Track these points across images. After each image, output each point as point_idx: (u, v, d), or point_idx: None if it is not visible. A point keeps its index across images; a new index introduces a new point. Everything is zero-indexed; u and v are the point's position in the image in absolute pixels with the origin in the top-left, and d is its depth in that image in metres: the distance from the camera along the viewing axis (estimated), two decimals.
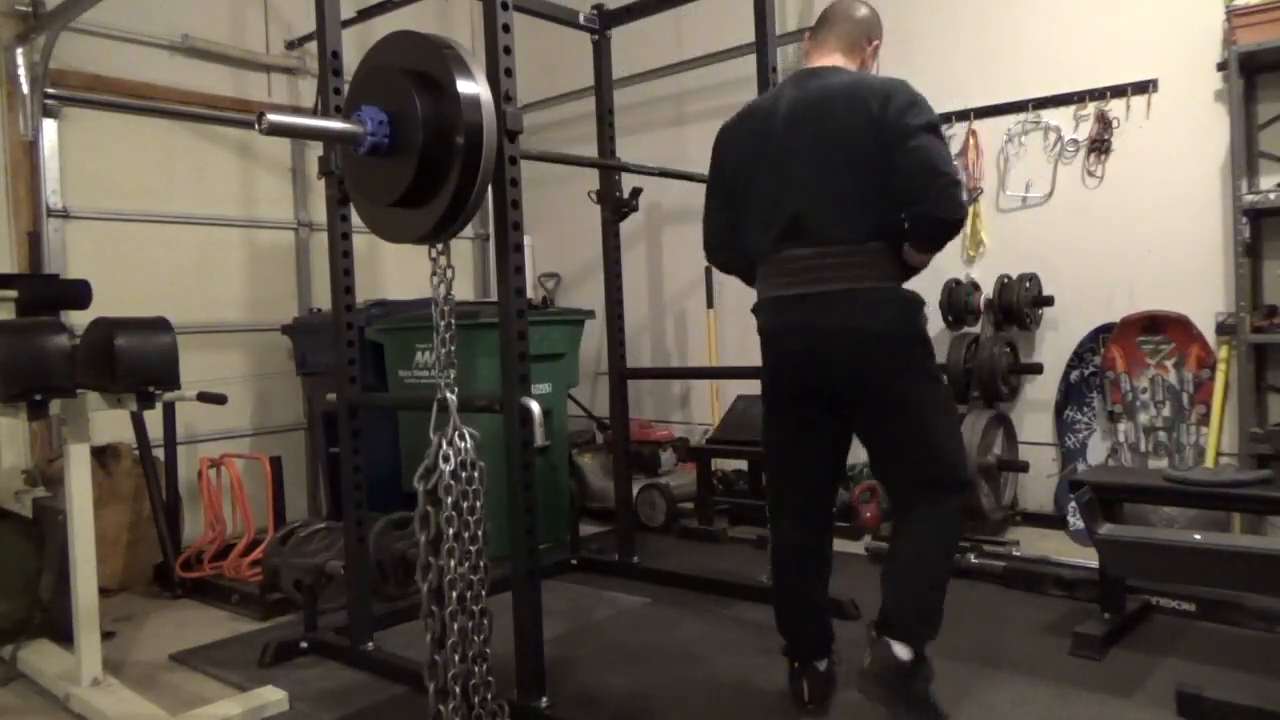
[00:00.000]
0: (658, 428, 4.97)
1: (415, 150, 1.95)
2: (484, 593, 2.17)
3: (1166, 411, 3.74)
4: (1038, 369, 4.01)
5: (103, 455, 3.68)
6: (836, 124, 2.19)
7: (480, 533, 2.15)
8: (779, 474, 2.44)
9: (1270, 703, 2.16)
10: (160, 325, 2.53)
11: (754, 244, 2.35)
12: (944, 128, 2.32)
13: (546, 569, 3.38)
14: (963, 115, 4.13)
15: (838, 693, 2.39)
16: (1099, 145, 3.87)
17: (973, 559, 3.34)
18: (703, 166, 2.43)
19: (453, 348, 2.20)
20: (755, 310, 2.40)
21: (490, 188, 2.13)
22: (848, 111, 2.18)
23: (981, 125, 4.14)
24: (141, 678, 2.80)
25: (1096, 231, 3.90)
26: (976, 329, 4.05)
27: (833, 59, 2.36)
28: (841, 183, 2.19)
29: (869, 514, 4.10)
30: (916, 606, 2.21)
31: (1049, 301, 3.95)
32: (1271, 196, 3.32)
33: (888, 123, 2.13)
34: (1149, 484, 2.84)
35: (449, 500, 2.11)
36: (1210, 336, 3.62)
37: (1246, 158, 3.45)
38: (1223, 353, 3.56)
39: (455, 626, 2.12)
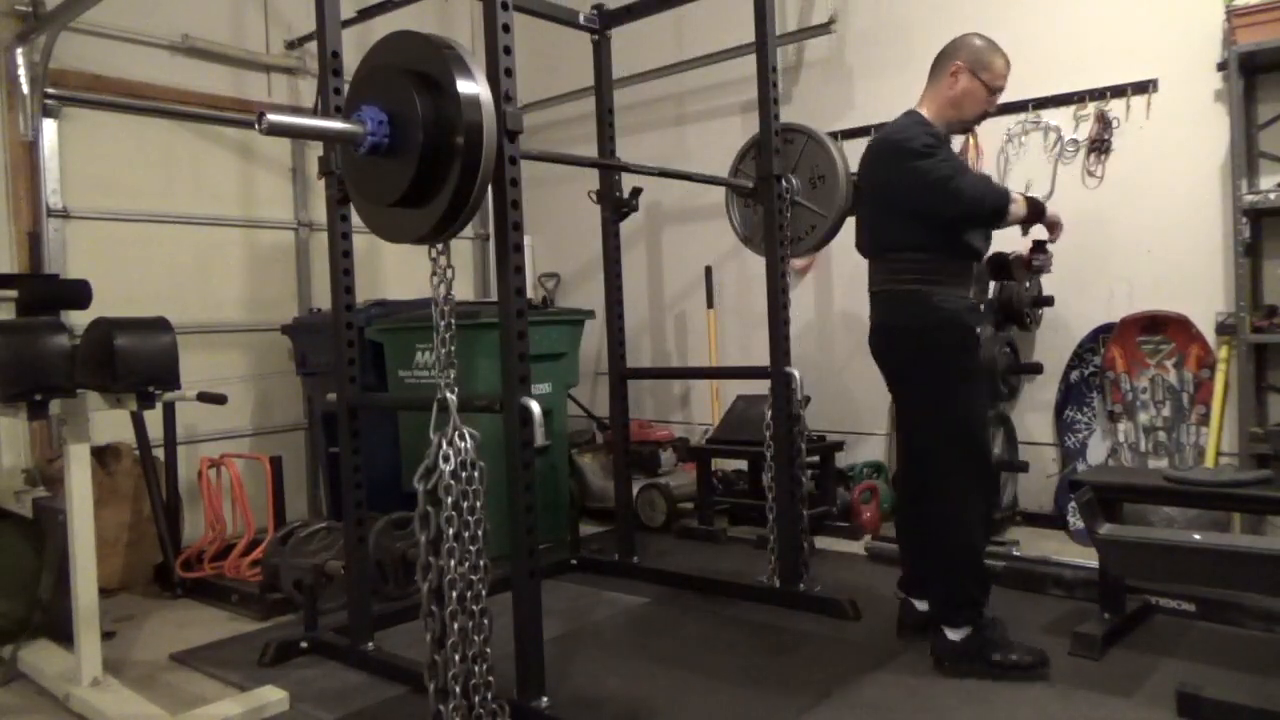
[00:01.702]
0: (658, 428, 4.97)
1: (415, 150, 1.95)
2: (484, 593, 2.17)
3: (1166, 411, 3.74)
4: (1038, 369, 4.01)
5: (103, 455, 3.68)
6: (875, 165, 2.80)
7: (480, 533, 2.16)
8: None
9: (1270, 703, 2.16)
10: (160, 325, 2.53)
11: None
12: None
13: (546, 569, 3.38)
14: None
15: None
16: (1099, 145, 3.87)
17: None
18: (702, 166, 2.46)
19: (453, 348, 2.21)
20: None
21: (490, 188, 2.13)
22: (881, 154, 2.76)
23: (981, 125, 4.09)
24: (141, 678, 2.80)
25: (1096, 231, 3.90)
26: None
27: (921, 96, 2.79)
28: (879, 210, 2.79)
29: (868, 514, 4.10)
30: (945, 591, 2.62)
31: (1049, 301, 3.94)
32: (1271, 196, 3.32)
33: (896, 166, 2.66)
34: (1149, 484, 2.84)
35: (449, 500, 2.11)
36: (1210, 336, 3.62)
37: (1246, 158, 3.45)
38: (1223, 353, 3.56)
39: (455, 626, 2.12)
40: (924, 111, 2.75)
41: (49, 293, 3.47)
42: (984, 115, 2.80)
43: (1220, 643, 2.71)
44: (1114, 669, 2.55)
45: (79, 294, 3.40)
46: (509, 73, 2.24)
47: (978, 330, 2.77)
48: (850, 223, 3.14)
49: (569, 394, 4.57)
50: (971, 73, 2.69)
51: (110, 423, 3.50)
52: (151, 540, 3.70)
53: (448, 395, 2.17)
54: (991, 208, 2.62)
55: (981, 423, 2.77)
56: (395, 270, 5.19)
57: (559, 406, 4.28)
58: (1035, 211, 2.75)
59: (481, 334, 3.72)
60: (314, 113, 4.41)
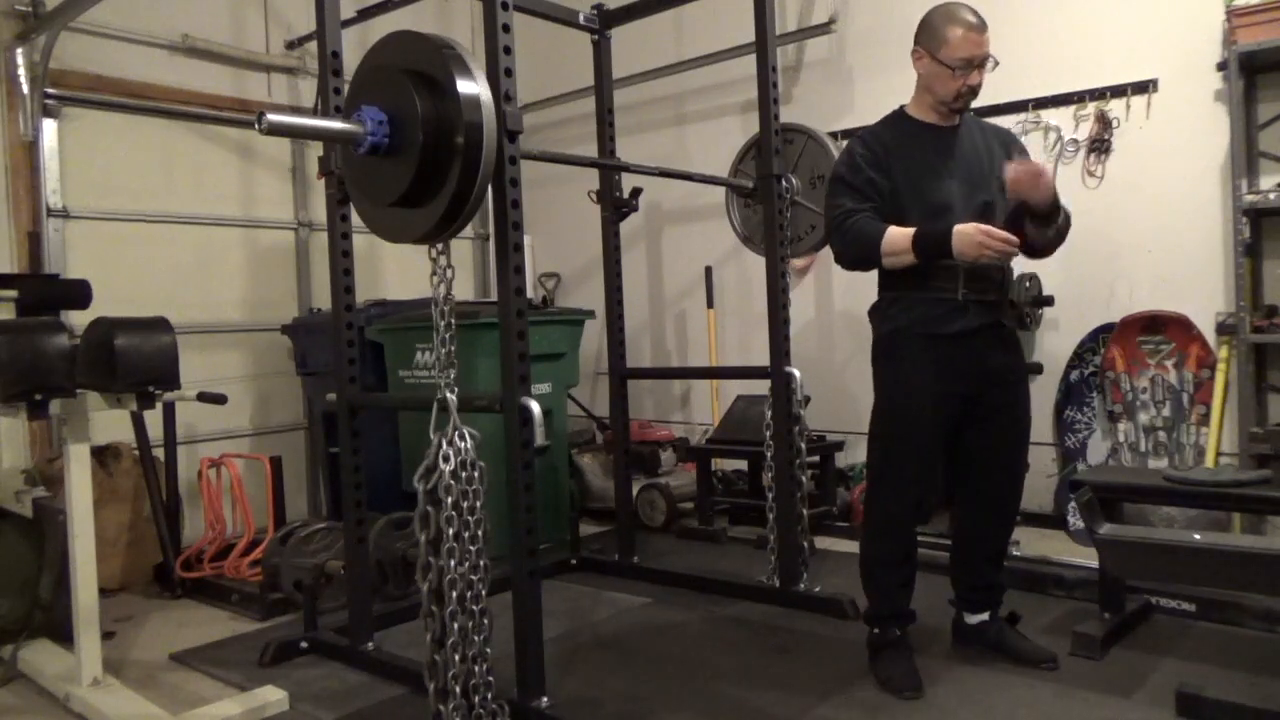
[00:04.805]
0: (658, 428, 4.97)
1: (415, 150, 1.95)
2: (484, 593, 2.17)
3: (1166, 411, 3.74)
4: (1038, 369, 4.00)
5: (103, 455, 3.67)
6: None
7: (480, 533, 2.16)
8: None
9: (1270, 703, 2.16)
10: (160, 325, 2.53)
11: None
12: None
13: (546, 569, 3.39)
14: None
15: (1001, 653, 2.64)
16: (1099, 145, 3.87)
17: None
18: (702, 166, 2.46)
19: (453, 348, 2.21)
20: None
21: (490, 188, 2.13)
22: None
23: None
24: (141, 678, 2.80)
25: (1096, 231, 3.89)
26: None
27: None
28: None
29: None
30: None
31: (1049, 301, 3.94)
32: (1271, 196, 3.32)
33: None
34: (1149, 484, 2.84)
35: (449, 500, 2.11)
36: (1210, 336, 3.62)
37: (1246, 158, 3.45)
38: (1223, 353, 3.56)
39: (455, 626, 2.13)
40: (910, 104, 2.60)
41: (49, 293, 3.47)
42: (964, 90, 2.46)
43: (1220, 643, 2.71)
44: (1114, 669, 2.55)
45: (79, 294, 3.40)
46: (509, 73, 2.24)
47: (944, 333, 2.51)
48: None
49: (569, 394, 4.57)
50: (929, 54, 2.48)
51: (110, 423, 3.50)
52: (151, 540, 3.70)
53: (448, 395, 2.17)
54: (866, 259, 2.51)
55: (890, 440, 2.71)
56: (395, 270, 5.19)
57: (559, 406, 4.28)
58: (930, 247, 2.37)
59: (481, 334, 3.72)
60: (314, 113, 4.42)
